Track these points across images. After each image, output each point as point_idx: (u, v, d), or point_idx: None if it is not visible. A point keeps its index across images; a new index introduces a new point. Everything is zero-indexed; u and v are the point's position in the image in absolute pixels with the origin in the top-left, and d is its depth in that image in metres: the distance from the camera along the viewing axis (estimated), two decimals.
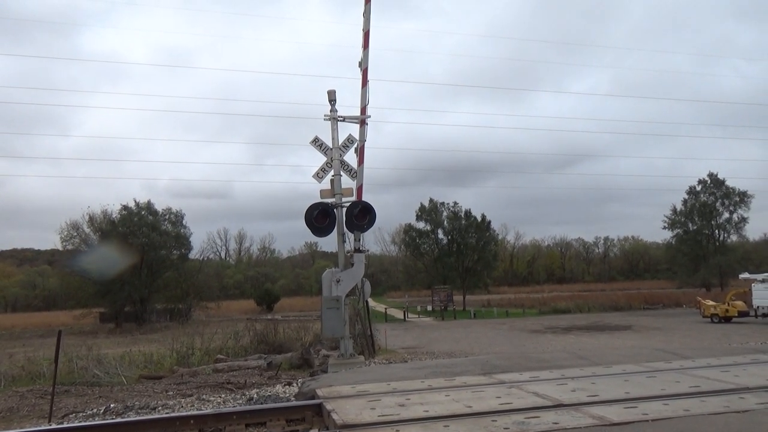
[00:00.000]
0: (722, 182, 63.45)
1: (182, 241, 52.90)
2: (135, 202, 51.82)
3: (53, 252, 66.60)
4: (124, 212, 50.55)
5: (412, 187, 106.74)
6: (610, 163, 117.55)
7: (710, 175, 64.33)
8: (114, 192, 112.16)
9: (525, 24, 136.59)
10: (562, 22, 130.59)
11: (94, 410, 9.49)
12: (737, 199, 62.71)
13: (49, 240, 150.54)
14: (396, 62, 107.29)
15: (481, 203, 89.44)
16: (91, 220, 50.68)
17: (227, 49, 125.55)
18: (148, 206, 52.05)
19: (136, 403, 9.86)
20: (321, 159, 13.76)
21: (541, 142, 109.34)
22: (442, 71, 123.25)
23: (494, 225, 60.40)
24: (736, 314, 34.35)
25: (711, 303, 36.70)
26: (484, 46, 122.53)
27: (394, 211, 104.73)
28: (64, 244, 51.84)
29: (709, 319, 35.28)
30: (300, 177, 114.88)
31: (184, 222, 53.58)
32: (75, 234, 50.92)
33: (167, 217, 52.71)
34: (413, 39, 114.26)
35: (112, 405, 9.82)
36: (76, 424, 7.83)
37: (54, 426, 7.93)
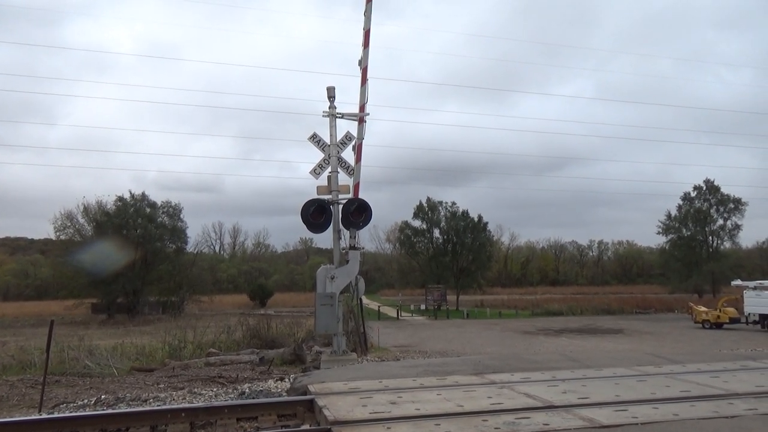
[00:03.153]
0: (717, 189, 63.68)
1: (178, 234, 52.76)
2: (130, 193, 51.73)
3: (46, 241, 66.22)
4: (119, 203, 50.37)
5: (402, 185, 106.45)
6: (598, 167, 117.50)
7: (706, 181, 64.60)
8: (103, 183, 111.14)
9: (510, 27, 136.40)
10: (545, 25, 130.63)
11: (85, 401, 9.46)
12: (732, 206, 62.96)
13: (43, 229, 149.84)
14: (381, 62, 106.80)
15: (471, 204, 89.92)
16: (86, 210, 50.49)
17: (213, 43, 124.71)
18: (144, 198, 51.94)
19: (128, 395, 9.84)
20: (314, 155, 13.75)
21: (529, 144, 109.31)
22: (427, 72, 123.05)
23: (489, 226, 60.42)
24: (727, 321, 34.53)
25: (703, 309, 36.87)
26: (468, 48, 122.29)
27: (384, 210, 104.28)
28: (57, 233, 51.68)
29: (701, 325, 35.46)
30: (289, 173, 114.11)
31: (181, 216, 53.56)
32: (69, 224, 50.72)
33: (165, 209, 52.63)
34: (396, 40, 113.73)
35: (103, 396, 9.80)
36: (67, 414, 7.82)
37: (44, 416, 7.91)
